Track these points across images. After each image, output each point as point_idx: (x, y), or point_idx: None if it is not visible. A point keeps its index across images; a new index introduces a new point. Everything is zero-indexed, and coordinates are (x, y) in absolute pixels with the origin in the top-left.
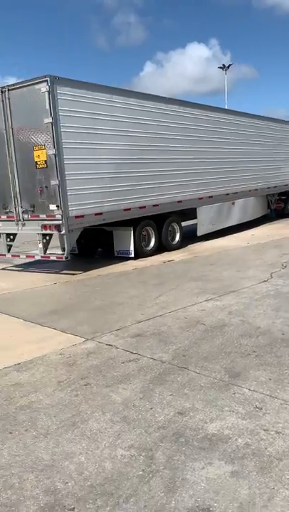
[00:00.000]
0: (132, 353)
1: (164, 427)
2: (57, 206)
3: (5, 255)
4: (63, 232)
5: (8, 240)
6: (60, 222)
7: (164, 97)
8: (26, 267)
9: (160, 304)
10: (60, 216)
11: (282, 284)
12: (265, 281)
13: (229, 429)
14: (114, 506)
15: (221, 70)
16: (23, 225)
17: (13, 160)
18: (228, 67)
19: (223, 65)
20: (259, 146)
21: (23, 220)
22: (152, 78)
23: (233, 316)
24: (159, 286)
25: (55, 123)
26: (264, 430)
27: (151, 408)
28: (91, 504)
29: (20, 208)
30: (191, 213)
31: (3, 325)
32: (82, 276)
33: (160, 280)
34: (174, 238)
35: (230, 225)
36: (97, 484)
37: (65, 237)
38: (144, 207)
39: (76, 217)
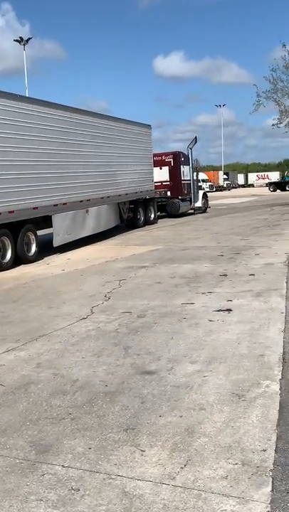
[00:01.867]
0: None
1: None
2: None
3: None
4: None
5: None
6: None
7: (12, 94)
8: None
9: None
10: None
11: (105, 321)
12: (84, 318)
13: None
14: None
15: (18, 43)
16: None
17: None
18: (26, 41)
19: (21, 38)
20: (110, 149)
21: None
22: None
23: (43, 369)
24: None
25: None
26: None
27: None
28: None
29: None
30: (47, 222)
31: None
32: None
33: None
34: (29, 249)
35: (86, 235)
36: None
37: None
38: (0, 213)
39: None
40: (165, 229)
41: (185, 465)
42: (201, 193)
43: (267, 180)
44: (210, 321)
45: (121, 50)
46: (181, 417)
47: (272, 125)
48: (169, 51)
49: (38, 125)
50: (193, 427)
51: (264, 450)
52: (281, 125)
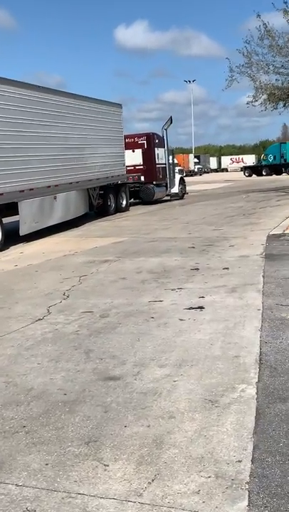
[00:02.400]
0: None
1: None
2: None
3: None
4: None
5: None
6: None
7: None
8: None
9: None
10: None
11: (63, 322)
12: (40, 319)
13: None
14: None
15: None
16: None
17: None
18: None
19: None
20: (78, 130)
21: None
22: None
23: None
24: None
25: None
26: None
27: None
28: None
29: None
30: (13, 209)
31: None
32: None
33: None
34: None
35: (54, 223)
36: None
37: None
38: None
39: None
40: (133, 218)
41: (153, 480)
42: (178, 177)
43: (242, 164)
44: (180, 320)
45: (77, 18)
46: (148, 426)
47: (247, 103)
48: (132, 21)
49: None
50: (162, 437)
51: (239, 461)
52: (256, 103)
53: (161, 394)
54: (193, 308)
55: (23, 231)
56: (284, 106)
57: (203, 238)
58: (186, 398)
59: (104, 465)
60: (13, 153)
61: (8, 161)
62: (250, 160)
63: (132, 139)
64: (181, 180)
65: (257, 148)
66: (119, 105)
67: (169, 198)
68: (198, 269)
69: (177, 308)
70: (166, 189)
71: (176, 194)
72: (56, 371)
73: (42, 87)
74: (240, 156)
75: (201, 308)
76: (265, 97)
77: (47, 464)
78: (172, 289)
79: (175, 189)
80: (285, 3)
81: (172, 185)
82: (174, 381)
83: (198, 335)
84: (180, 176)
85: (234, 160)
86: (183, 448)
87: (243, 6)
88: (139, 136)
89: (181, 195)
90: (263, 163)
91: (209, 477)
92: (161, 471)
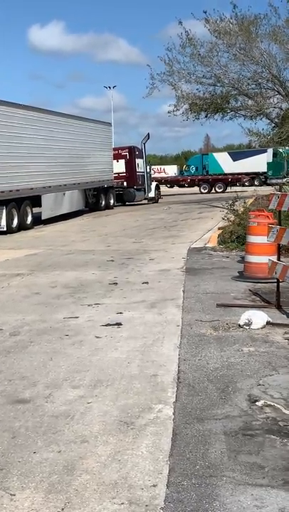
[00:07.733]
0: None
1: None
2: None
3: None
4: None
5: None
6: None
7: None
8: None
9: None
10: None
11: None
12: None
13: None
14: None
15: None
16: None
17: None
18: None
19: None
20: (80, 144)
21: None
22: None
23: None
24: None
25: None
26: None
27: None
28: None
29: None
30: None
31: None
32: None
33: None
34: (27, 219)
35: (63, 212)
36: None
37: None
38: (15, 190)
39: None
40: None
41: (63, 509)
42: (154, 184)
43: (163, 175)
44: (96, 337)
45: None
46: (59, 452)
47: (169, 112)
48: (47, 21)
49: (31, 127)
50: (74, 463)
51: (154, 485)
52: (178, 113)
53: (73, 417)
54: (111, 325)
55: (44, 216)
56: (206, 116)
57: (122, 251)
58: (100, 421)
59: (11, 494)
60: (38, 160)
61: (36, 165)
62: (172, 171)
63: (117, 151)
64: (157, 187)
65: (179, 159)
66: (110, 124)
67: (146, 201)
68: (116, 283)
69: (94, 325)
70: (145, 193)
71: (152, 198)
72: None
73: (60, 112)
74: (162, 167)
75: (118, 324)
76: (186, 106)
77: None
78: (89, 305)
79: (152, 194)
80: (205, 12)
81: (149, 190)
82: (88, 403)
83: (115, 353)
84: (156, 183)
85: (156, 170)
86: (95, 474)
87: (162, 12)
88: (122, 148)
89: (156, 199)
90: (185, 174)
91: (122, 504)
92: (71, 499)
